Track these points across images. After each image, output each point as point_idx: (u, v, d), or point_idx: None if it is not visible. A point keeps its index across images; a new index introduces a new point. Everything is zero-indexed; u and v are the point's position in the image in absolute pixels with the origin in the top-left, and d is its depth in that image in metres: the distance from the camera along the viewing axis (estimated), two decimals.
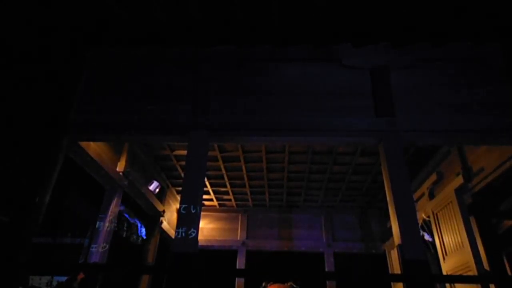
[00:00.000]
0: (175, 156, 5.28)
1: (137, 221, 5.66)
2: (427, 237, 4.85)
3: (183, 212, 2.72)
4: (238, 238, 6.99)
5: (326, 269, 6.46)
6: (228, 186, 6.29)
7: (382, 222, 6.78)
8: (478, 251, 3.73)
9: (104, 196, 4.34)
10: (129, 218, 5.49)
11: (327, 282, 6.29)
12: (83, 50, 3.47)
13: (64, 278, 3.70)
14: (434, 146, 4.58)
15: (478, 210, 4.01)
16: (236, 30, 3.30)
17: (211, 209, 7.19)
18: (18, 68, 3.31)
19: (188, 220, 2.69)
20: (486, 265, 3.69)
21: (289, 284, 5.51)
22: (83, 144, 3.47)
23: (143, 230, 5.74)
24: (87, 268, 3.73)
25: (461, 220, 3.93)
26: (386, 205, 2.86)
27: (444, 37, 3.31)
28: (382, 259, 6.53)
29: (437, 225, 4.54)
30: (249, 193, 6.59)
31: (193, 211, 2.72)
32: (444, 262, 4.32)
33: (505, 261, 3.85)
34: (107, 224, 4.14)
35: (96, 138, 3.49)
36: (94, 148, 3.73)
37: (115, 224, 4.37)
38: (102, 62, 3.50)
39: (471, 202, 4.05)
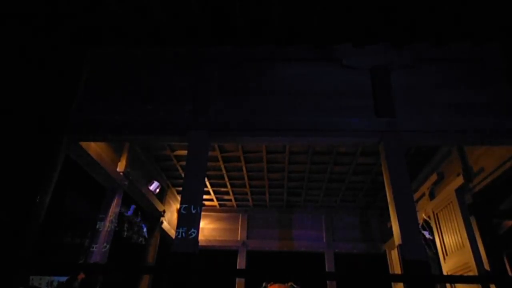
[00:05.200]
0: (176, 156, 5.28)
1: (138, 220, 5.67)
2: (427, 235, 4.84)
3: (184, 212, 2.72)
4: (239, 238, 7.00)
5: (327, 269, 6.46)
6: (229, 186, 6.29)
7: (382, 222, 6.78)
8: (478, 251, 3.73)
9: (105, 196, 4.35)
10: (132, 217, 5.49)
11: (327, 282, 6.29)
12: (83, 50, 3.47)
13: (64, 278, 3.69)
14: (434, 146, 4.58)
15: (479, 210, 4.01)
16: (236, 30, 3.30)
17: (211, 209, 7.20)
18: (18, 68, 3.31)
19: (188, 220, 2.69)
20: (486, 265, 3.68)
21: (289, 284, 5.52)
22: (84, 144, 3.47)
23: (144, 229, 5.74)
24: (88, 268, 3.73)
25: (462, 220, 3.93)
26: (386, 205, 2.86)
27: (444, 37, 3.31)
28: (383, 259, 6.54)
29: (438, 225, 4.54)
30: (249, 193, 6.59)
31: (193, 211, 2.72)
32: (444, 262, 4.32)
33: (506, 261, 3.84)
34: (107, 224, 4.14)
35: (96, 138, 3.49)
36: (95, 148, 3.73)
37: (116, 224, 4.37)
38: (102, 62, 3.50)
39: (472, 202, 4.04)
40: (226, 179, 5.99)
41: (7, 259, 2.54)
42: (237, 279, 6.19)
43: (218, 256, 7.00)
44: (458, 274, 3.94)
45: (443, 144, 4.33)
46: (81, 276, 3.59)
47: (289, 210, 7.15)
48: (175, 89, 3.32)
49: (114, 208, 4.29)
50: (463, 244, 3.88)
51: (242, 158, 5.30)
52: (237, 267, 6.68)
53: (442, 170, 4.61)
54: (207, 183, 6.11)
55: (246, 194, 6.62)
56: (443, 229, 4.39)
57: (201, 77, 3.37)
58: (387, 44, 3.39)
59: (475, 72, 3.27)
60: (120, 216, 4.90)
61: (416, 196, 5.05)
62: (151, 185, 5.23)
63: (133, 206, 5.35)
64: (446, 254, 4.30)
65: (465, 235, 3.84)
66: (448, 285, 4.39)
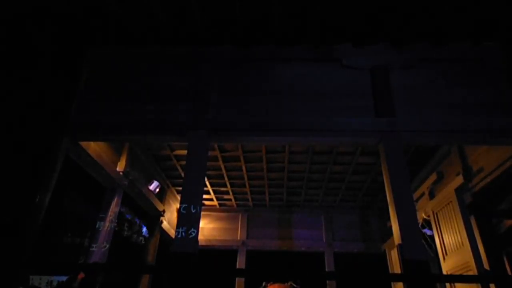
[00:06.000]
0: (175, 156, 5.28)
1: (138, 220, 5.68)
2: (428, 232, 4.84)
3: (183, 212, 2.72)
4: (238, 238, 7.00)
5: (326, 269, 6.47)
6: (228, 186, 6.29)
7: (382, 222, 6.79)
8: (478, 250, 3.74)
9: (105, 196, 4.35)
10: (129, 217, 5.49)
11: (327, 281, 6.29)
12: (83, 50, 3.47)
13: (64, 278, 3.69)
14: (434, 146, 4.58)
15: (478, 210, 4.01)
16: (236, 30, 3.30)
17: (211, 208, 7.20)
18: (18, 68, 3.31)
19: (188, 220, 2.69)
20: (486, 265, 3.69)
21: (289, 284, 5.52)
22: (83, 144, 3.47)
23: (144, 229, 5.75)
24: (87, 268, 3.73)
25: (461, 219, 3.93)
26: (386, 205, 2.86)
27: (444, 37, 3.31)
28: (382, 258, 6.54)
29: (437, 224, 4.54)
30: (249, 193, 6.59)
31: (193, 211, 2.72)
32: (444, 261, 4.33)
33: (505, 260, 3.84)
34: (107, 224, 4.14)
35: (96, 138, 3.49)
36: (95, 148, 3.73)
37: (115, 224, 4.37)
38: (102, 62, 3.50)
39: (471, 202, 4.05)
40: (226, 178, 5.99)
41: (7, 259, 2.54)
42: (237, 279, 6.20)
43: (218, 255, 7.01)
44: (457, 273, 3.95)
45: (443, 144, 4.33)
46: (81, 276, 3.59)
47: (289, 210, 7.15)
48: (175, 89, 3.32)
49: (114, 207, 4.30)
50: (462, 244, 3.89)
51: (241, 158, 5.31)
52: (237, 267, 6.68)
53: (441, 169, 4.62)
54: (207, 183, 6.12)
55: (246, 193, 6.63)
56: (443, 229, 4.39)
57: (201, 77, 3.37)
58: (387, 44, 3.39)
59: (475, 72, 3.27)
60: (120, 216, 4.90)
61: (415, 195, 5.06)
62: (151, 184, 5.24)
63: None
64: (446, 254, 4.30)
65: (464, 234, 3.85)
66: (447, 284, 4.40)
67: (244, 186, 6.29)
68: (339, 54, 3.41)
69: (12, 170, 2.88)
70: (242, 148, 5.09)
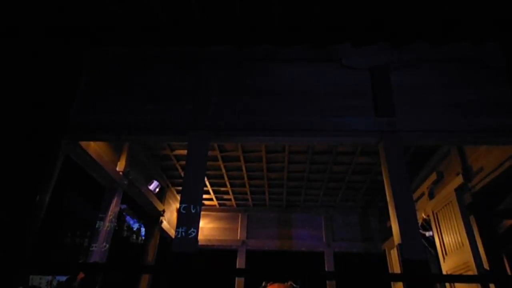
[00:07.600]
0: (175, 156, 5.28)
1: (136, 221, 5.69)
2: (428, 233, 4.85)
3: (183, 211, 2.72)
4: (238, 238, 7.01)
5: (326, 269, 6.47)
6: (228, 185, 6.30)
7: (382, 221, 6.79)
8: (478, 250, 3.74)
9: (104, 196, 4.35)
10: (127, 218, 5.50)
11: (327, 281, 6.29)
12: (83, 50, 3.47)
13: (64, 278, 3.70)
14: (434, 146, 4.58)
15: (478, 210, 4.01)
16: (236, 30, 3.30)
17: (211, 208, 7.21)
18: (17, 68, 3.31)
19: (188, 219, 2.69)
20: (486, 265, 3.69)
21: (289, 283, 5.53)
22: (83, 144, 3.47)
23: (143, 229, 5.76)
24: (87, 268, 3.73)
25: (461, 219, 3.94)
26: (386, 204, 2.86)
27: (444, 37, 3.31)
28: (382, 258, 6.54)
29: (437, 224, 4.54)
30: (249, 193, 6.60)
31: (193, 211, 2.72)
32: (444, 261, 4.33)
33: (505, 260, 3.85)
34: (107, 224, 4.14)
35: (96, 138, 3.49)
36: (94, 148, 3.73)
37: (115, 224, 4.37)
38: (101, 62, 3.50)
39: (471, 202, 4.05)
40: (226, 178, 5.99)
41: (7, 259, 2.54)
42: (236, 279, 6.21)
43: (218, 255, 7.02)
44: (457, 273, 3.95)
45: (443, 144, 4.33)
46: (81, 275, 3.59)
47: (289, 210, 7.16)
48: (175, 89, 3.32)
49: (114, 207, 4.29)
50: (462, 244, 3.89)
51: (241, 158, 5.31)
52: (237, 267, 6.69)
53: (441, 169, 4.62)
54: (207, 183, 6.12)
55: (246, 193, 6.63)
56: (443, 229, 4.39)
57: (201, 77, 3.37)
58: (387, 44, 3.39)
59: (475, 72, 3.27)
60: (120, 216, 4.91)
61: (415, 195, 5.06)
62: (150, 184, 5.24)
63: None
64: (446, 254, 4.30)
65: (464, 234, 3.85)
66: (447, 284, 4.40)
67: (244, 186, 6.29)
68: (338, 54, 3.41)
69: (12, 170, 2.88)
70: (242, 148, 5.09)
